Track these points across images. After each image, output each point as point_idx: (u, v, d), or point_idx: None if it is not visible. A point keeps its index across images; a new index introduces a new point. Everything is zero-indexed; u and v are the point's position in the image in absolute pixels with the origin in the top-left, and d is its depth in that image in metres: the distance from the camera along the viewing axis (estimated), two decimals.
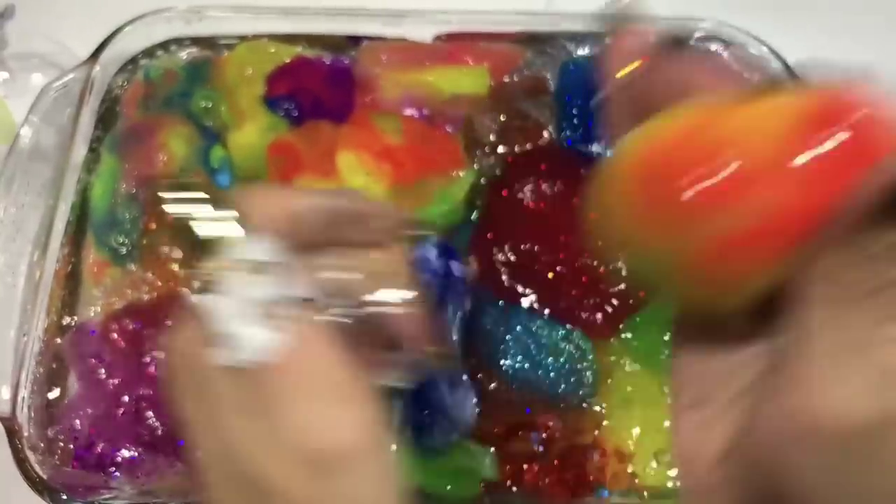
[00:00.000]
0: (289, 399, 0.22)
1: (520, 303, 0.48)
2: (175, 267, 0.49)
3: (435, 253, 0.50)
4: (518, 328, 0.47)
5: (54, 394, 0.47)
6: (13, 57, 0.62)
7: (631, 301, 0.47)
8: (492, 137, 0.54)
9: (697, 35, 0.59)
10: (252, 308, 0.22)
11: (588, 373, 0.47)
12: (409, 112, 0.54)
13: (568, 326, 0.47)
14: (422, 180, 0.50)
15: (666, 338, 0.47)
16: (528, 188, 0.50)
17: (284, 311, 0.23)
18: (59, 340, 0.47)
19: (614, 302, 0.47)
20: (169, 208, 0.26)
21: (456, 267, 0.49)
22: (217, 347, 0.22)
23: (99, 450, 0.44)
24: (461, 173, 0.51)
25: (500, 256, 0.48)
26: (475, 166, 0.52)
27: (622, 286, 0.47)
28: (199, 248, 0.24)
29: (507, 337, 0.47)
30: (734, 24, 0.58)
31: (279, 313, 0.23)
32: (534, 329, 0.47)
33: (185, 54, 0.58)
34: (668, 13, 0.60)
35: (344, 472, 0.22)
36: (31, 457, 0.43)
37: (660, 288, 0.24)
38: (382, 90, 0.55)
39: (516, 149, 0.53)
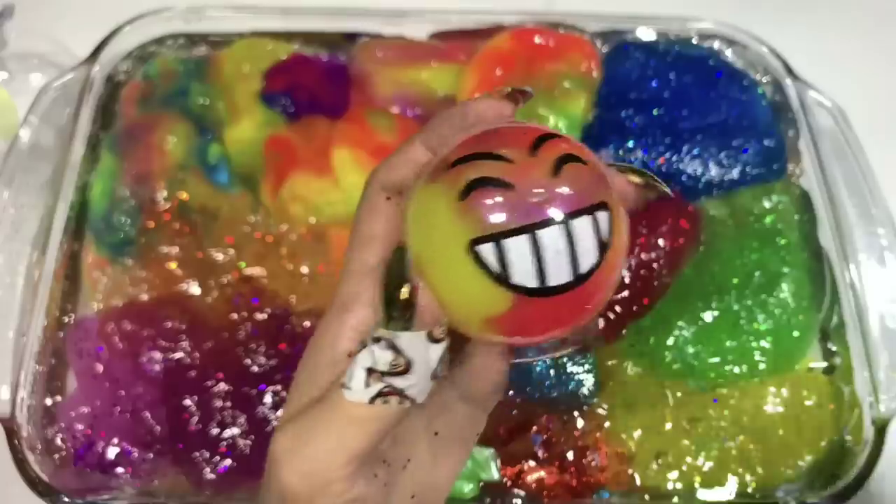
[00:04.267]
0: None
1: None
2: (173, 266, 0.49)
3: None
4: None
5: (53, 394, 0.47)
6: (13, 57, 0.62)
7: (633, 308, 0.47)
8: None
9: (697, 35, 0.59)
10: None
11: (589, 376, 0.46)
12: (402, 110, 0.54)
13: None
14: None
15: (669, 342, 0.47)
16: None
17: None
18: (60, 336, 0.47)
19: (617, 309, 0.47)
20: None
21: None
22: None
23: (98, 450, 0.44)
24: None
25: None
26: None
27: (624, 293, 0.47)
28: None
29: None
30: (734, 24, 0.59)
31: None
32: None
33: (183, 52, 0.59)
34: (669, 13, 0.61)
35: None
36: (31, 457, 0.43)
37: None
38: (377, 87, 0.55)
39: None
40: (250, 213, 0.51)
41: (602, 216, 0.22)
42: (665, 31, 0.59)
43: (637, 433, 0.46)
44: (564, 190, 0.22)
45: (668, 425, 0.46)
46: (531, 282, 0.22)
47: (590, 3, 0.62)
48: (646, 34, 0.59)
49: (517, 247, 0.21)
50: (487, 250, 0.22)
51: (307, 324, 0.47)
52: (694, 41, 0.59)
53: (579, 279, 0.22)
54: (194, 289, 0.48)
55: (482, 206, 0.22)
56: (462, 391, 0.27)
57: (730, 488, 0.45)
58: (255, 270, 0.49)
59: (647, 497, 0.45)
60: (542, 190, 0.22)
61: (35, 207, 0.49)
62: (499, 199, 0.22)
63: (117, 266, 0.49)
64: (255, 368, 0.45)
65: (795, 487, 0.45)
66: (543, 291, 0.22)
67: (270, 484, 0.25)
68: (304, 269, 0.49)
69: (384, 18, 0.58)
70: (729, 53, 0.59)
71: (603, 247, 0.22)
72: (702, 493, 0.45)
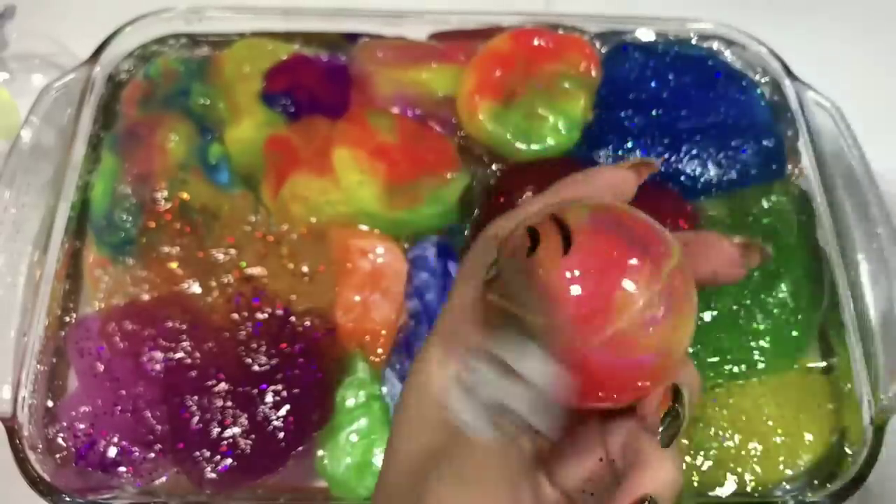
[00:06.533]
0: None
1: None
2: (174, 265, 0.49)
3: (434, 252, 0.50)
4: None
5: (55, 393, 0.47)
6: (14, 57, 0.62)
7: None
8: None
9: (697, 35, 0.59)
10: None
11: None
12: (402, 110, 0.54)
13: None
14: (415, 180, 0.50)
15: None
16: (528, 194, 0.50)
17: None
18: (61, 335, 0.48)
19: None
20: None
21: (454, 267, 0.49)
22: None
23: (99, 449, 0.44)
24: (454, 175, 0.51)
25: None
26: (468, 169, 0.52)
27: None
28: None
29: None
30: (734, 25, 0.59)
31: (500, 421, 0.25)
32: None
33: (184, 52, 0.59)
34: (667, 14, 0.61)
35: None
36: (32, 457, 0.43)
37: None
38: (377, 87, 0.55)
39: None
40: (251, 212, 0.51)
41: None
42: (664, 31, 0.59)
43: None
44: None
45: None
46: None
47: (589, 4, 0.62)
48: (645, 35, 0.59)
49: None
50: None
51: (308, 323, 0.47)
52: (693, 42, 0.59)
53: None
54: (195, 288, 0.48)
55: None
56: (553, 477, 0.27)
57: (728, 487, 0.45)
58: (256, 270, 0.49)
59: None
60: None
61: (36, 207, 0.49)
62: None
63: (118, 265, 0.49)
64: (256, 368, 0.45)
65: (794, 487, 0.45)
66: None
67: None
68: (305, 269, 0.49)
69: (384, 19, 0.59)
70: (728, 54, 0.59)
71: None
72: (700, 493, 0.45)
